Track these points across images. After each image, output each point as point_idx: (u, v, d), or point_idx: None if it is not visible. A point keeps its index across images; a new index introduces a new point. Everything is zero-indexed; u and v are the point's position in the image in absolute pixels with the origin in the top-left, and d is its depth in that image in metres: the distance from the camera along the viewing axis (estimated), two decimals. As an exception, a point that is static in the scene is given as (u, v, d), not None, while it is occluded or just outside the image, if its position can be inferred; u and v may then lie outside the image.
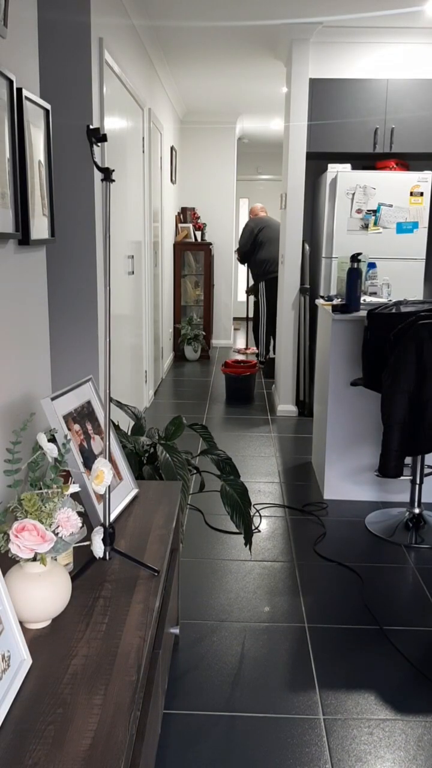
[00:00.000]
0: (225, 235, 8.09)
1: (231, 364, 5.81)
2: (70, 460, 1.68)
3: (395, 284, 4.44)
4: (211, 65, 5.63)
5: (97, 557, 1.61)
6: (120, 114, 3.83)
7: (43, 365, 2.31)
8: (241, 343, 8.70)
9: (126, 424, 3.63)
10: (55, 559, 1.42)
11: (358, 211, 4.64)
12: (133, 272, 4.44)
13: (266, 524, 3.23)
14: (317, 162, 5.14)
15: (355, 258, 3.35)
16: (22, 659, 1.25)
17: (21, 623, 1.37)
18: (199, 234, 7.60)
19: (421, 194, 4.61)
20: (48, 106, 2.24)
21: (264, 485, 3.72)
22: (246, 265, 7.23)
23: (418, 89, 4.63)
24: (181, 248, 7.33)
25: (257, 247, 6.94)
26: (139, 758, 1.24)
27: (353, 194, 4.62)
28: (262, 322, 7.12)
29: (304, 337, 5.10)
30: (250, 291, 7.29)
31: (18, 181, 1.97)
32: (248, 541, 2.38)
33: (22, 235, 2.03)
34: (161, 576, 1.60)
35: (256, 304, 7.16)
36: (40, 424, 2.17)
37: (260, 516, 3.31)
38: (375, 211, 4.64)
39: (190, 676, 2.10)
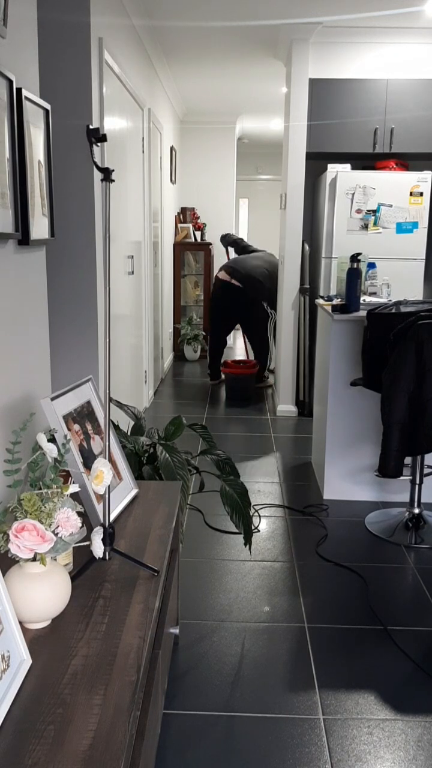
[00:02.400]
0: (225, 235, 8.09)
1: (231, 364, 5.81)
2: (69, 460, 1.68)
3: (395, 284, 4.44)
4: (211, 65, 5.63)
5: (97, 557, 1.61)
6: (120, 114, 3.83)
7: (43, 365, 2.31)
8: (240, 347, 8.67)
9: (126, 424, 3.63)
10: (55, 559, 1.42)
11: (358, 211, 4.64)
12: (133, 272, 4.44)
13: (266, 524, 3.23)
14: (317, 162, 5.14)
15: (354, 258, 3.35)
16: (22, 659, 1.25)
17: (21, 623, 1.37)
18: (198, 234, 7.61)
19: (421, 194, 4.61)
20: (48, 106, 2.24)
21: (264, 485, 3.72)
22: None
23: (418, 89, 4.63)
24: (181, 248, 7.33)
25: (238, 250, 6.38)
26: (139, 758, 1.24)
27: (353, 194, 4.62)
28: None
29: (304, 337, 5.10)
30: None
31: (18, 181, 1.97)
32: (248, 541, 2.38)
33: (22, 235, 2.03)
34: (161, 576, 1.60)
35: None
36: (40, 424, 2.17)
37: (260, 516, 3.31)
38: (375, 211, 4.64)
39: (190, 676, 2.10)
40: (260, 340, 6.10)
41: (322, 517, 3.31)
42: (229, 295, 5.95)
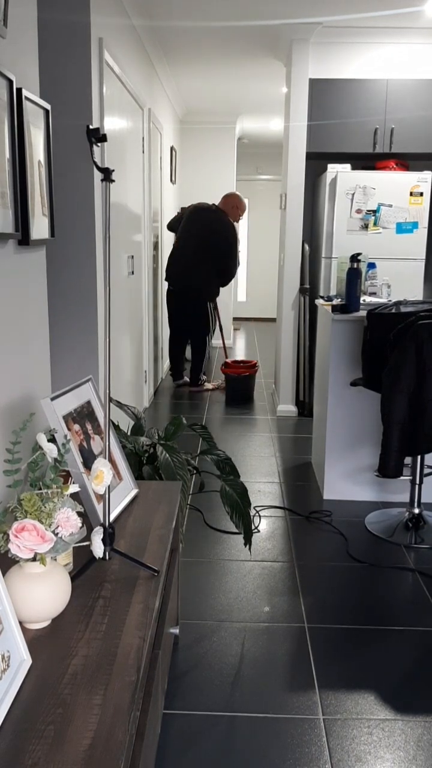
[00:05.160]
0: (225, 235, 8.08)
1: (231, 364, 5.81)
2: (69, 460, 1.68)
3: (395, 284, 4.44)
4: (211, 65, 5.63)
5: (97, 557, 1.61)
6: (120, 114, 3.83)
7: (43, 365, 2.31)
8: (240, 347, 8.67)
9: (126, 424, 3.63)
10: (55, 559, 1.42)
11: (358, 211, 4.64)
12: (133, 272, 4.44)
13: (266, 524, 3.23)
14: (317, 162, 5.14)
15: (354, 258, 3.35)
16: (22, 659, 1.25)
17: (21, 623, 1.37)
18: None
19: (421, 194, 4.61)
20: (48, 106, 2.24)
21: (264, 485, 3.72)
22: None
23: (418, 89, 4.63)
24: (181, 248, 7.31)
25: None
26: (139, 758, 1.24)
27: (353, 194, 4.62)
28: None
29: (304, 337, 5.10)
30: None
31: (18, 181, 1.97)
32: (248, 541, 2.38)
33: (22, 235, 2.03)
34: (161, 576, 1.60)
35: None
36: (40, 424, 2.17)
37: (260, 516, 3.31)
38: (375, 211, 4.64)
39: (190, 676, 2.10)
40: (200, 342, 5.99)
41: (327, 522, 3.30)
42: (173, 300, 5.92)
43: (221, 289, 6.11)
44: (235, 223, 5.87)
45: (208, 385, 6.07)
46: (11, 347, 2.00)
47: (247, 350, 8.14)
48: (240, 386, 5.65)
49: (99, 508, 1.74)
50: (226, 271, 5.83)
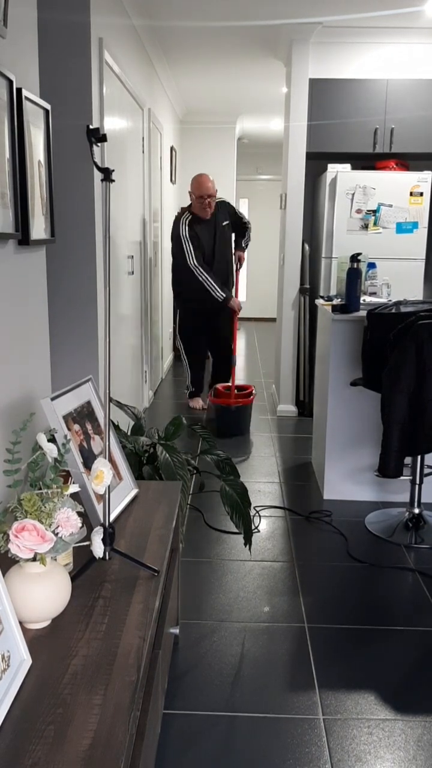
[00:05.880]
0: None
1: (222, 392, 4.90)
2: (69, 460, 1.68)
3: (395, 284, 4.44)
4: (211, 65, 5.63)
5: (97, 557, 1.61)
6: (120, 114, 3.83)
7: (43, 365, 2.31)
8: (240, 347, 8.64)
9: (126, 424, 3.63)
10: (55, 559, 1.42)
11: (358, 211, 4.64)
12: (133, 272, 4.44)
13: (266, 524, 3.23)
14: (317, 162, 5.14)
15: (354, 258, 3.35)
16: (22, 659, 1.25)
17: (21, 623, 1.37)
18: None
19: (421, 194, 4.61)
20: (48, 106, 2.24)
21: (264, 485, 3.72)
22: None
23: (418, 89, 4.63)
24: (181, 248, 7.30)
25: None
26: (139, 758, 1.24)
27: (353, 194, 4.62)
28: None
29: (304, 337, 5.10)
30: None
31: (18, 181, 1.97)
32: (248, 541, 2.38)
33: (22, 235, 2.03)
34: (161, 576, 1.60)
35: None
36: (40, 424, 2.17)
37: (260, 516, 3.31)
38: (375, 211, 4.64)
39: (190, 676, 2.10)
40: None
41: (328, 522, 3.30)
42: None
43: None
44: (186, 210, 5.04)
45: (195, 403, 5.38)
46: (11, 347, 2.00)
47: (247, 350, 8.14)
48: (231, 419, 4.61)
49: (99, 508, 1.74)
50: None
